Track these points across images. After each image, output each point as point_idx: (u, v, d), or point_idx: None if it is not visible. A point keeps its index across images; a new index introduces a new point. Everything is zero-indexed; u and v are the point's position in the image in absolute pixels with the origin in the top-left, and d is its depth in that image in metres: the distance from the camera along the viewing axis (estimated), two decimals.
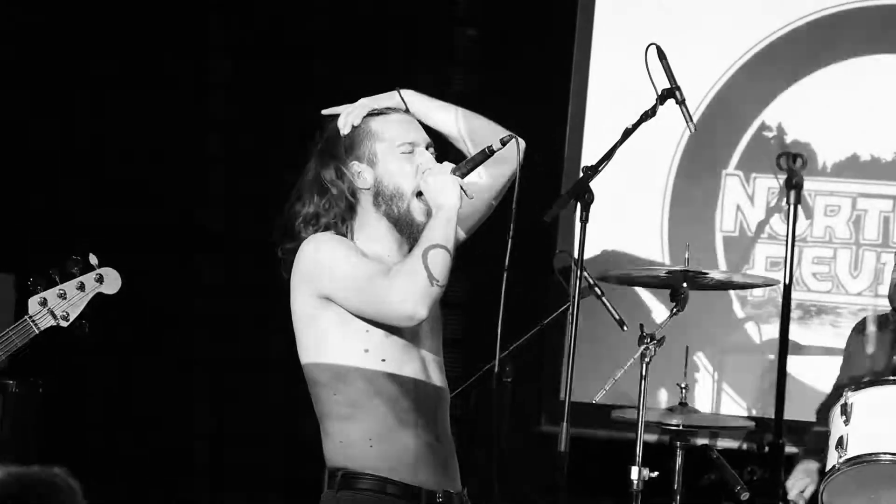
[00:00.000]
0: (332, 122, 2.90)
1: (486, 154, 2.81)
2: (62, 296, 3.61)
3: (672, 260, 4.61)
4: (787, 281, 4.25)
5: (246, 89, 5.36)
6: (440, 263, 2.67)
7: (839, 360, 4.34)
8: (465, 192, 2.74)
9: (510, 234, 2.72)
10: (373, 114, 2.88)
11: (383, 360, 2.77)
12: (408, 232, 2.80)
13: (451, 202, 2.73)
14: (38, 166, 5.35)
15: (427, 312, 2.67)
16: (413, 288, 2.67)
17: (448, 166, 2.75)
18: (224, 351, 5.20)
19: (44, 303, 3.60)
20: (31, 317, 3.59)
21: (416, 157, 2.82)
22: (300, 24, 5.37)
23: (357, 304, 2.74)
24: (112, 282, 3.65)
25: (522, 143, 2.83)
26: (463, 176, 2.74)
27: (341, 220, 2.86)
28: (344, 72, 5.07)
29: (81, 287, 3.62)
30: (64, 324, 3.63)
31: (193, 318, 5.29)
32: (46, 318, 3.61)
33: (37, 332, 3.64)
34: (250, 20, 5.42)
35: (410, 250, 2.75)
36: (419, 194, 2.79)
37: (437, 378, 2.86)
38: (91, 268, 3.60)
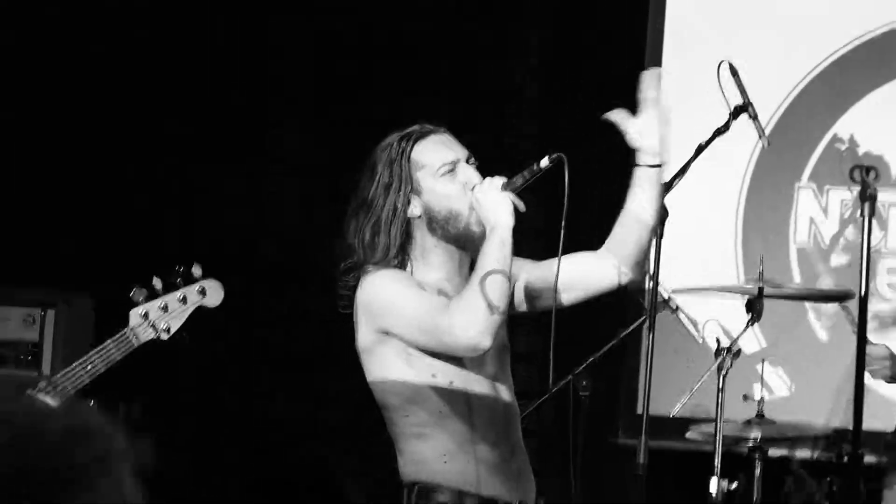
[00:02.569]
0: (390, 142, 2.89)
1: (534, 171, 2.78)
2: (164, 308, 3.58)
3: (746, 273, 4.65)
4: (862, 292, 4.27)
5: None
6: (498, 290, 2.68)
7: None
8: (517, 207, 2.71)
9: (559, 253, 2.75)
10: (411, 137, 2.88)
11: (451, 383, 2.81)
12: (472, 248, 2.80)
13: (504, 221, 2.69)
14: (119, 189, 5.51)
15: (491, 342, 2.68)
16: (474, 319, 2.67)
17: (498, 181, 2.72)
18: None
19: (145, 315, 3.57)
20: (131, 328, 3.56)
21: (460, 175, 2.81)
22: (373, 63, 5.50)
23: (421, 341, 2.78)
24: (214, 294, 3.64)
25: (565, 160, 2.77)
26: (515, 191, 2.71)
27: (398, 250, 2.87)
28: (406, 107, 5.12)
29: (184, 300, 3.60)
30: (165, 336, 3.59)
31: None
32: (147, 330, 3.57)
33: (136, 344, 3.62)
34: (323, 59, 5.53)
35: (472, 268, 2.77)
36: (471, 209, 2.78)
37: (505, 395, 2.88)
38: (194, 279, 3.61)
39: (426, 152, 2.85)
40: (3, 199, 5.24)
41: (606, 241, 2.86)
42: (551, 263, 2.81)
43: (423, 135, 2.86)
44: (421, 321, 2.76)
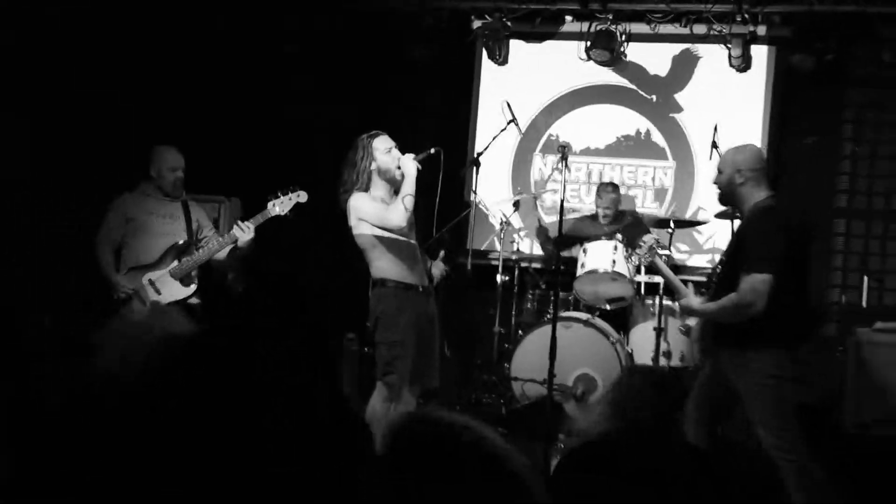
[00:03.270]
0: (361, 138, 5.14)
1: (429, 153, 5.15)
2: (281, 201, 5.79)
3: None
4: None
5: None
6: (409, 201, 5.01)
7: None
8: (419, 164, 4.97)
9: (436, 231, 5.49)
10: (371, 136, 5.12)
11: (391, 236, 5.11)
12: (395, 185, 5.08)
13: (411, 171, 5.00)
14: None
15: (405, 223, 5.01)
16: (397, 214, 4.99)
17: (409, 155, 5.07)
18: None
19: (274, 205, 5.77)
20: (268, 209, 5.80)
21: (393, 152, 5.11)
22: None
23: (375, 222, 5.04)
24: (303, 196, 5.75)
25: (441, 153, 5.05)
26: (417, 160, 5.05)
27: (365, 185, 5.11)
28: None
29: (290, 197, 5.78)
30: (281, 213, 5.75)
31: None
32: (274, 210, 5.78)
33: (269, 216, 5.77)
34: None
35: (396, 194, 5.02)
36: (398, 168, 5.03)
37: (413, 241, 5.20)
38: (295, 191, 5.79)
39: (378, 142, 5.12)
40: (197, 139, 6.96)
41: None
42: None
43: (376, 135, 5.13)
44: (375, 213, 5.03)
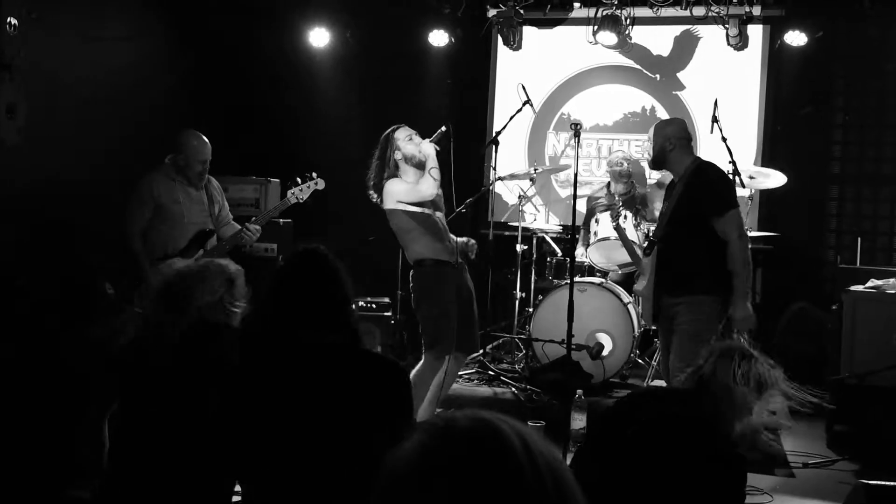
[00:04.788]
0: (383, 136, 5.49)
1: (441, 132, 5.43)
2: (300, 189, 6.09)
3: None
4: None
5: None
6: (436, 173, 5.41)
7: None
8: (436, 145, 5.34)
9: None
10: (394, 129, 5.43)
11: (424, 213, 5.42)
12: (421, 167, 5.44)
13: (431, 151, 5.43)
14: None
15: (436, 190, 5.37)
16: (428, 183, 5.39)
17: (427, 140, 5.46)
18: None
19: (293, 194, 6.05)
20: (287, 198, 6.09)
21: (414, 139, 5.46)
22: None
23: (412, 198, 5.39)
24: (321, 184, 6.05)
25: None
26: (433, 142, 5.43)
27: (394, 173, 5.44)
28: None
29: (309, 185, 6.08)
30: (300, 201, 6.03)
31: None
32: (293, 199, 6.06)
33: (289, 204, 6.05)
34: None
35: (423, 175, 5.37)
36: (419, 152, 5.40)
37: (441, 216, 5.53)
38: (314, 178, 6.10)
39: (399, 133, 5.49)
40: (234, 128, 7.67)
41: None
42: None
43: (397, 128, 5.48)
44: (408, 191, 5.41)
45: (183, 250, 6.02)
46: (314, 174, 6.06)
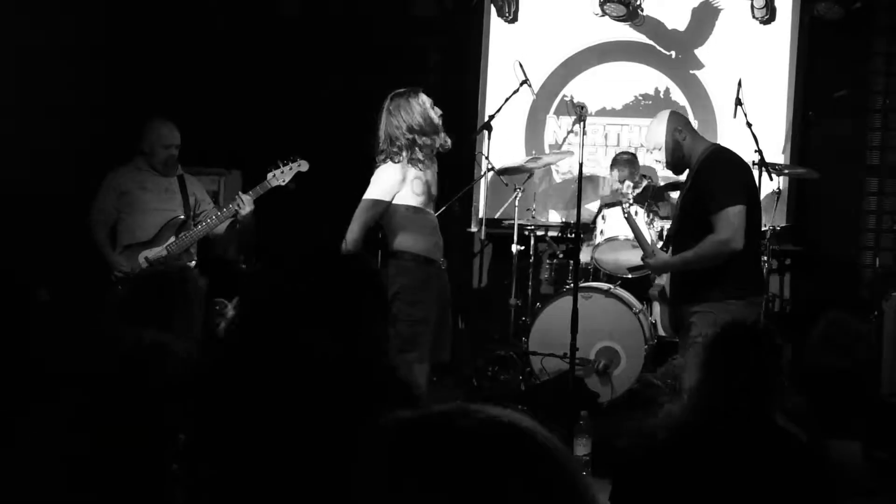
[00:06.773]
0: (386, 101, 5.40)
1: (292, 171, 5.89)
2: (281, 171, 5.97)
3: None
4: None
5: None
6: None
7: None
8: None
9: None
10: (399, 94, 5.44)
11: (412, 205, 5.32)
12: None
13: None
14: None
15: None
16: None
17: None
18: None
19: (274, 176, 5.95)
20: (267, 180, 5.97)
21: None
22: None
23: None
24: (304, 165, 5.98)
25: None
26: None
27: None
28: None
29: (291, 167, 5.97)
30: (282, 184, 5.97)
31: None
32: (275, 181, 5.96)
33: (270, 188, 5.96)
34: None
35: None
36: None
37: (432, 213, 5.43)
38: (296, 160, 5.99)
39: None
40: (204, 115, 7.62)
41: None
42: None
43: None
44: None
45: (154, 237, 6.12)
46: (296, 156, 6.03)
